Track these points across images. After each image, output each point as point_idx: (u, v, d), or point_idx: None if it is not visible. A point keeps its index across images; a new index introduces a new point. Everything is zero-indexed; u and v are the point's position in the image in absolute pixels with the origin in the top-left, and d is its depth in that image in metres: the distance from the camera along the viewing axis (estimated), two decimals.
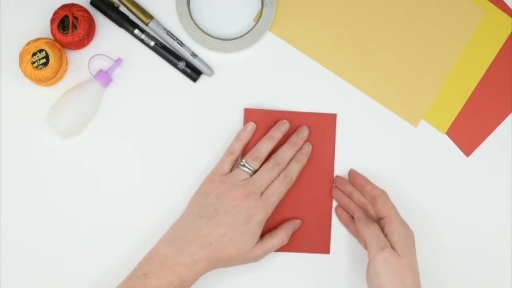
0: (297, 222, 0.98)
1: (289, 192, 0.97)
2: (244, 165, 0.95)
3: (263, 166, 0.95)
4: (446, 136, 1.01)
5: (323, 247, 0.99)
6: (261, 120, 0.99)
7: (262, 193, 0.94)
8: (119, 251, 0.98)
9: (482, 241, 0.99)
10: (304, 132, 0.98)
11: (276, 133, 0.97)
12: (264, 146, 0.96)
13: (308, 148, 0.98)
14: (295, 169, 0.96)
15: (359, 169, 0.99)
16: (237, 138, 0.98)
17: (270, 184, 0.94)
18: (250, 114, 0.99)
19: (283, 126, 0.98)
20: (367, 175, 0.99)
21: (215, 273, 0.94)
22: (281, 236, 0.95)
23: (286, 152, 0.96)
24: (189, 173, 0.98)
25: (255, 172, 0.95)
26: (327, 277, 0.98)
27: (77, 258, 0.98)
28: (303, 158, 0.97)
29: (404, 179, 1.00)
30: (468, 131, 1.01)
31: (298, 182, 0.98)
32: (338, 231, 0.99)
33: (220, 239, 0.91)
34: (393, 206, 0.94)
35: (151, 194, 0.99)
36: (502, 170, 1.00)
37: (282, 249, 0.97)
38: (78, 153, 0.99)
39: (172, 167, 0.99)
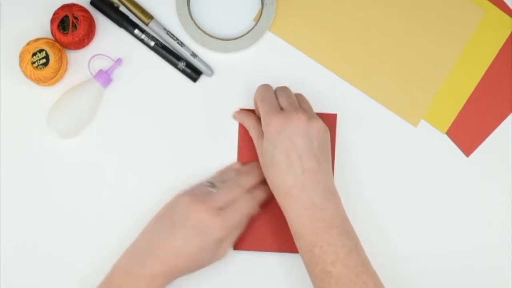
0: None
1: None
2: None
3: (226, 184, 0.92)
4: (446, 136, 1.01)
5: None
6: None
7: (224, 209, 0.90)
8: (119, 251, 0.97)
9: (482, 241, 0.99)
10: None
11: None
12: None
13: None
14: (262, 194, 0.93)
15: (359, 169, 0.99)
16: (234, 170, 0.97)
17: (233, 202, 0.90)
18: None
19: None
20: (366, 174, 0.99)
21: (209, 273, 0.94)
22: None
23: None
24: (189, 173, 0.98)
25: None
26: None
27: (77, 258, 0.98)
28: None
29: (404, 179, 1.00)
30: (468, 131, 1.01)
31: None
32: None
33: (177, 251, 0.87)
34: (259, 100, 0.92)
35: (151, 194, 0.99)
36: (502, 170, 1.00)
37: (282, 249, 0.97)
38: (78, 153, 0.99)
39: (172, 167, 0.99)
